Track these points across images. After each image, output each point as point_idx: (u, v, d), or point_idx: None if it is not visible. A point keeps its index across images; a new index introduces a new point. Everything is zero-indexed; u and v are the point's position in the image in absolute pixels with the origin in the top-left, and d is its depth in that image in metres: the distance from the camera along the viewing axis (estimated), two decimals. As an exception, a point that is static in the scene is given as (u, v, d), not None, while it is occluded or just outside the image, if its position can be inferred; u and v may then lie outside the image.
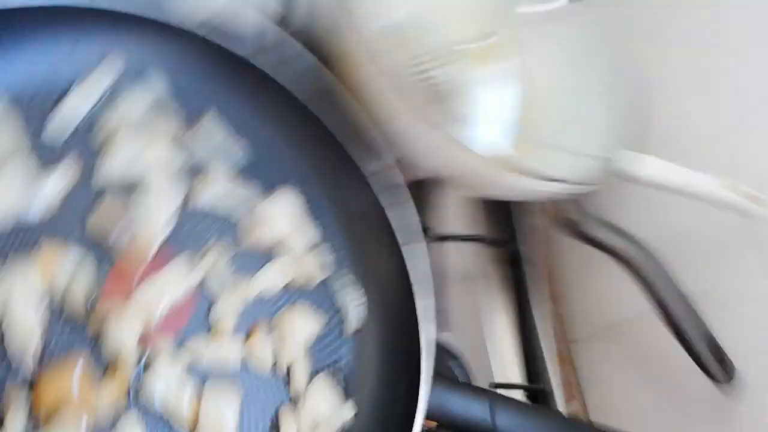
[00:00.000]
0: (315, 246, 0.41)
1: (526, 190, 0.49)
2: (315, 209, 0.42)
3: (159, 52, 0.38)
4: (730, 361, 0.51)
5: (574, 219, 0.55)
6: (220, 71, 0.40)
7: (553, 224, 0.58)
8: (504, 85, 0.53)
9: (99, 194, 0.35)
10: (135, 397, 0.32)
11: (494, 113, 0.52)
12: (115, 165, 0.35)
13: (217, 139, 0.39)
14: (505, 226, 0.67)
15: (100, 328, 0.32)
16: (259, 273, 0.38)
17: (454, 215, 0.65)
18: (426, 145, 0.46)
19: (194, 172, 0.38)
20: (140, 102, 0.37)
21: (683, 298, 0.52)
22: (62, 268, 0.32)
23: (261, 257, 0.39)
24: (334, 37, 0.44)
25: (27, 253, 0.32)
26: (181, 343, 0.35)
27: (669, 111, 0.59)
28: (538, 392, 0.59)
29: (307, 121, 0.42)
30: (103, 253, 0.34)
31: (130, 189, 0.35)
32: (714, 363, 0.51)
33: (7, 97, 0.33)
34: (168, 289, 0.33)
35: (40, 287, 0.31)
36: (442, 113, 0.47)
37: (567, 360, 0.66)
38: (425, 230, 0.55)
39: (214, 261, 0.36)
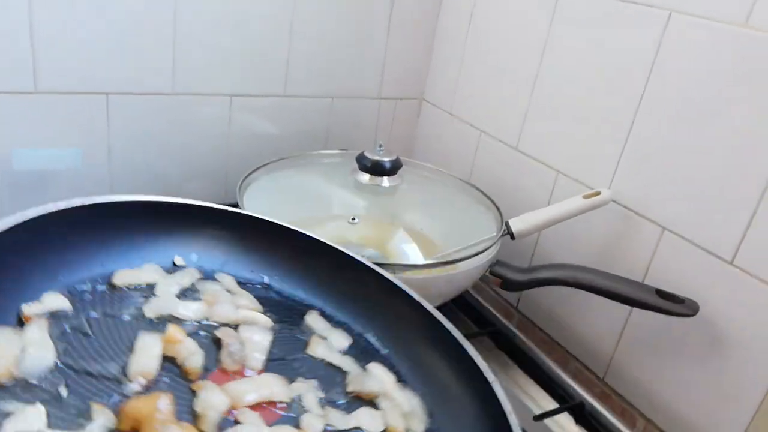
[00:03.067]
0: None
1: (470, 273, 0.69)
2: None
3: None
4: (683, 298, 0.65)
5: (513, 278, 0.71)
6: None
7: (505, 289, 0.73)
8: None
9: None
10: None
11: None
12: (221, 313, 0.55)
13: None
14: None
15: (198, 391, 0.46)
16: (356, 413, 0.51)
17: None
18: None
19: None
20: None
21: (621, 279, 0.68)
22: (181, 348, 0.48)
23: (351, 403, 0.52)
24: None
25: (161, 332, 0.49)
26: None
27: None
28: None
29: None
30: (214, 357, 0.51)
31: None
32: (673, 305, 0.65)
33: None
34: (257, 390, 0.49)
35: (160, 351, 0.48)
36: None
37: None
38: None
39: (305, 390, 0.51)
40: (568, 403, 0.68)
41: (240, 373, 0.50)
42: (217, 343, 0.51)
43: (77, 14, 0.75)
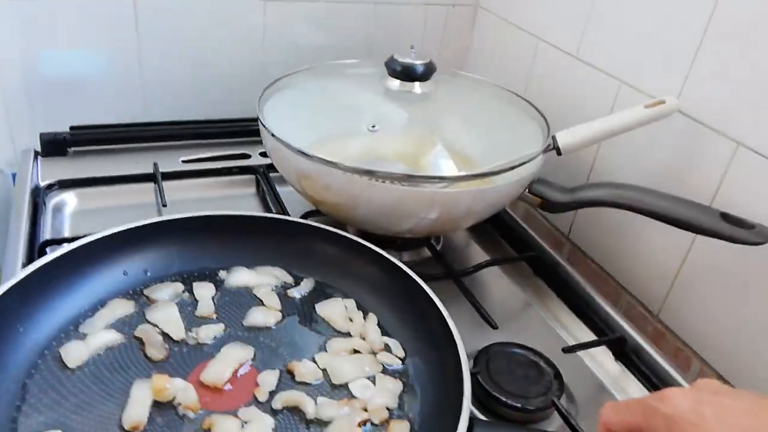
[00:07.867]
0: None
1: (504, 189, 0.62)
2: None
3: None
4: (754, 224, 0.56)
5: (554, 198, 0.64)
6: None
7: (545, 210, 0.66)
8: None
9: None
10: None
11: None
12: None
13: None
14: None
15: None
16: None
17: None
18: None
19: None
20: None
21: (678, 200, 0.59)
22: (167, 393, 0.48)
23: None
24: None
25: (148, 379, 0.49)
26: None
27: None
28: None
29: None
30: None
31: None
32: (740, 231, 0.55)
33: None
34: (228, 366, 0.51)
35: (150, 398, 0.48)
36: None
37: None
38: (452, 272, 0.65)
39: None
40: (607, 336, 0.61)
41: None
42: (140, 341, 0.52)
43: None
